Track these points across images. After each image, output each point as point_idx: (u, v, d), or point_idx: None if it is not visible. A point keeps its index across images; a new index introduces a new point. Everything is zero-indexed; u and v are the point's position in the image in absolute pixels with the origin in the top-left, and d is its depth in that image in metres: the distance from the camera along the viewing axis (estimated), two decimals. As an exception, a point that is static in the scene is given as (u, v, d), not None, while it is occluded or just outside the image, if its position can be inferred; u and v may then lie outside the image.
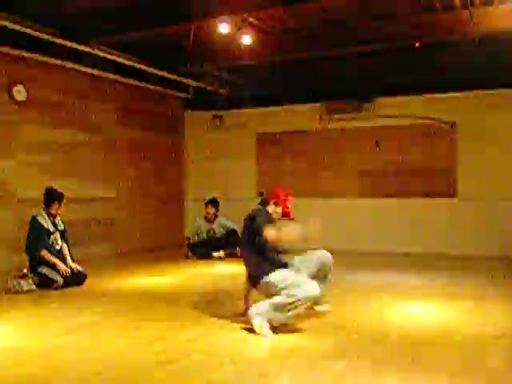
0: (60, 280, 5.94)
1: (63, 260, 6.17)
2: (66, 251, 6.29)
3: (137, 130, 9.64)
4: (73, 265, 6.19)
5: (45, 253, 6.05)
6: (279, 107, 10.14)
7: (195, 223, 8.95)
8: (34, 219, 6.17)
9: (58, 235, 6.28)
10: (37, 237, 6.10)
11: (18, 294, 5.66)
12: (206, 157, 10.84)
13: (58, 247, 6.24)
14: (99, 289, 6.01)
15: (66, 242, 6.38)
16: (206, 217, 8.79)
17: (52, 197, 6.24)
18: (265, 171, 10.42)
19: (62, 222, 6.42)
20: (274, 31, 7.64)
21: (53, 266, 6.00)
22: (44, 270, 5.99)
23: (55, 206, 6.22)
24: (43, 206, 6.26)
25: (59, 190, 6.34)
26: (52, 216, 6.25)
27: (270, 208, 4.56)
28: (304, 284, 4.02)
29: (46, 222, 6.18)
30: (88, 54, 7.59)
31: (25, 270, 5.88)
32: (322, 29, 7.47)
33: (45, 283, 5.94)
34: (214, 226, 8.72)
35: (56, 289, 5.90)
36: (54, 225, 6.27)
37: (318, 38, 7.62)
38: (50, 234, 6.18)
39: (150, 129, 9.96)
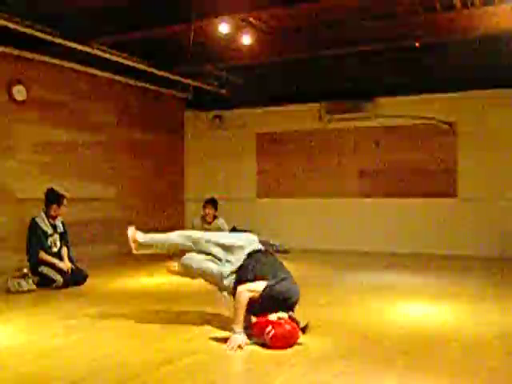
0: (60, 279, 5.94)
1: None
2: (64, 254, 6.27)
3: (137, 130, 9.65)
4: (69, 264, 6.18)
5: (42, 254, 6.05)
6: (279, 107, 10.14)
7: (192, 224, 8.61)
8: (32, 221, 6.16)
9: (57, 237, 6.26)
10: (35, 239, 6.09)
11: (18, 293, 5.66)
12: (206, 157, 10.84)
13: (56, 249, 6.22)
14: (99, 289, 6.02)
15: (66, 245, 6.37)
16: (203, 217, 8.47)
17: (51, 198, 6.21)
18: (265, 171, 10.43)
19: (63, 224, 6.41)
20: (274, 31, 7.63)
21: (53, 266, 6.01)
22: (44, 269, 5.99)
23: (54, 207, 6.19)
24: (43, 207, 6.25)
25: (60, 192, 6.32)
26: (51, 218, 6.23)
27: None
28: None
29: (45, 225, 6.16)
30: (88, 53, 7.59)
31: (25, 270, 5.88)
32: (321, 29, 7.47)
33: (45, 283, 5.95)
34: (212, 227, 8.05)
35: (56, 288, 5.90)
36: (54, 227, 6.25)
37: (318, 37, 7.62)
38: (47, 236, 6.16)
39: (150, 129, 9.96)
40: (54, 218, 6.25)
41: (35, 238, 6.09)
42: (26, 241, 6.16)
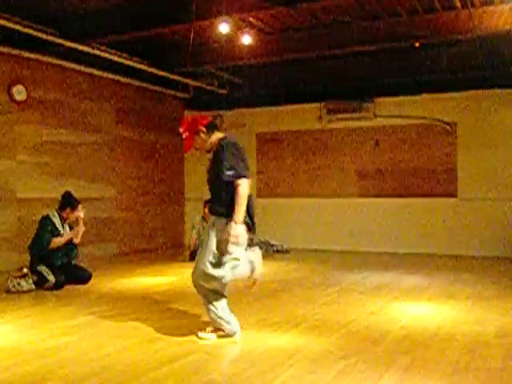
0: (52, 280, 5.87)
1: (66, 264, 6.21)
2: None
3: (137, 130, 9.65)
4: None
5: (54, 240, 6.07)
6: (279, 107, 10.14)
7: (192, 223, 8.52)
8: (46, 217, 6.17)
9: None
10: (47, 230, 6.07)
11: (18, 293, 5.66)
12: (206, 157, 10.81)
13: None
14: (99, 289, 6.01)
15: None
16: (203, 217, 8.44)
17: (67, 201, 6.27)
18: (265, 171, 10.43)
19: (71, 229, 6.39)
20: (274, 31, 7.64)
21: (50, 265, 5.98)
22: (41, 268, 5.95)
23: (67, 210, 6.24)
24: (56, 207, 6.27)
25: (76, 197, 6.34)
26: (63, 220, 6.27)
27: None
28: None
29: (57, 223, 6.20)
30: (88, 53, 7.60)
31: (25, 270, 5.87)
32: (322, 29, 7.48)
33: (40, 282, 5.90)
34: None
35: (48, 289, 5.86)
36: (62, 228, 6.28)
37: (318, 37, 7.62)
38: (57, 235, 6.17)
39: (150, 129, 9.97)
40: (65, 220, 6.29)
41: (47, 230, 6.09)
42: (34, 234, 6.15)
